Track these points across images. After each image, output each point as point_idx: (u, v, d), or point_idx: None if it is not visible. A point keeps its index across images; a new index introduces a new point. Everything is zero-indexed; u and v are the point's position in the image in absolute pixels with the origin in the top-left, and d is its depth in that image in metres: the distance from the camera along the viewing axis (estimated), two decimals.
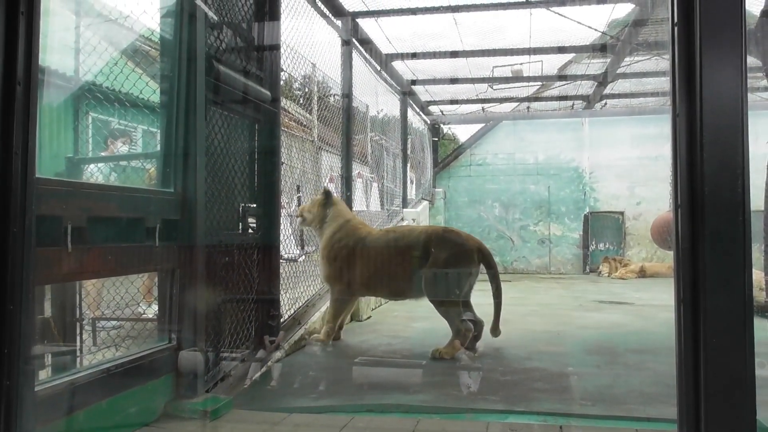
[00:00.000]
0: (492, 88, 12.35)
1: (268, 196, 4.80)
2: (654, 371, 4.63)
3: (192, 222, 3.73)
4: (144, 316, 5.15)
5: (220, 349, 4.04)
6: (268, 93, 4.77)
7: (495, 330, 5.26)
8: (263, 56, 4.79)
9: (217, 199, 4.12)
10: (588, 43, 9.54)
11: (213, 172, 4.08)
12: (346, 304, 5.76)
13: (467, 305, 5.40)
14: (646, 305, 8.51)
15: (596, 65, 11.36)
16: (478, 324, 5.35)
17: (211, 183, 4.02)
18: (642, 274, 12.96)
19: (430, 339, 5.49)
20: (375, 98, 10.02)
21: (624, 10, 8.56)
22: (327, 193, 5.96)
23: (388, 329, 6.34)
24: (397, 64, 10.33)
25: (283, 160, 5.42)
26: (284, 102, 7.36)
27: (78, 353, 4.03)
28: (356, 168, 8.82)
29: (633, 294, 9.84)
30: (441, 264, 5.26)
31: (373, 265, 5.56)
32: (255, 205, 4.63)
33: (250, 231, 4.55)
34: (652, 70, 10.77)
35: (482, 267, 5.37)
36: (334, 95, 8.35)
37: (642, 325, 6.80)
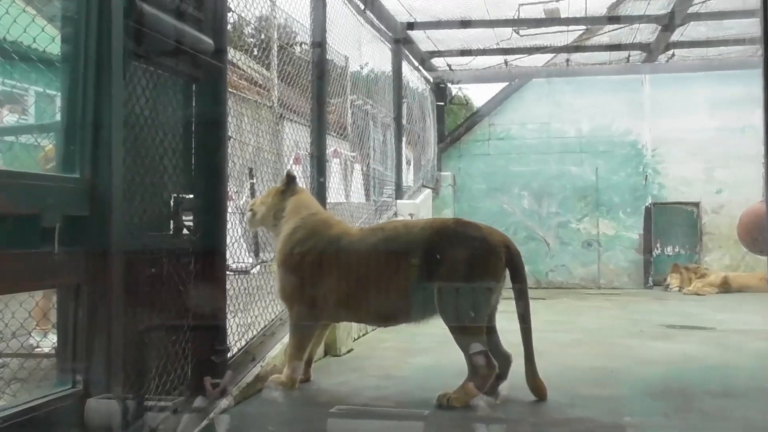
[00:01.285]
0: (518, 33, 12.38)
1: (210, 183, 4.77)
2: (744, 421, 4.65)
3: (105, 220, 3.70)
4: (38, 350, 5.10)
5: (144, 395, 4.01)
6: (211, 42, 4.73)
7: (534, 381, 5.14)
8: None
9: (139, 188, 4.09)
10: None
11: (134, 150, 4.04)
12: (312, 332, 5.69)
13: (492, 332, 5.36)
14: (730, 330, 8.54)
15: (659, 3, 11.40)
16: (503, 359, 5.31)
17: (131, 165, 3.98)
18: (725, 287, 13.05)
19: (435, 380, 5.49)
20: (357, 48, 9.99)
21: None
22: (290, 179, 5.86)
23: (377, 367, 6.34)
24: (389, 2, 10.32)
25: (230, 133, 5.39)
26: (232, 54, 7.32)
27: None
28: (331, 144, 8.79)
29: (713, 315, 9.88)
30: (457, 271, 5.18)
31: (351, 277, 5.50)
32: (192, 196, 4.60)
33: (186, 232, 4.51)
34: (736, 8, 10.81)
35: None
36: (301, 44, 8.32)
37: (726, 357, 6.83)
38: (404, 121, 12.25)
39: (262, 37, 8.55)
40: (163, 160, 4.37)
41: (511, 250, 5.31)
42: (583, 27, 12.92)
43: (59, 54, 3.87)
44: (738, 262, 14.20)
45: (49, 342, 5.48)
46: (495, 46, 13.17)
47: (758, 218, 8.79)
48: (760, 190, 10.28)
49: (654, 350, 7.20)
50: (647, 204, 14.66)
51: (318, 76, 7.68)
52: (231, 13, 5.62)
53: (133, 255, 3.97)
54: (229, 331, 5.07)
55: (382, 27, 10.74)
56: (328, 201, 7.60)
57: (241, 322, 5.64)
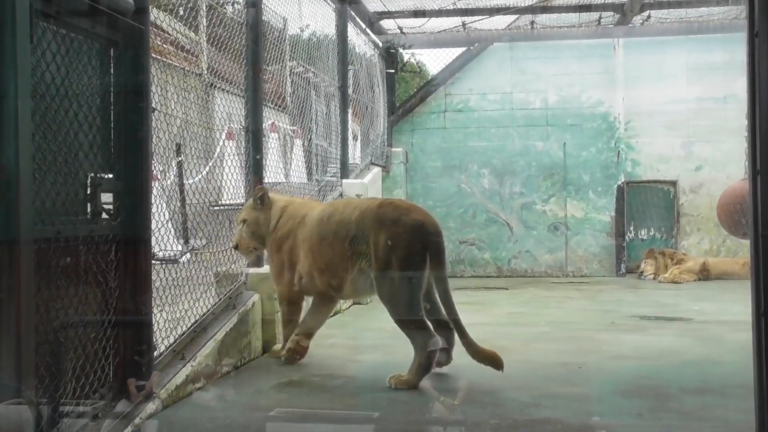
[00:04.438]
0: None
1: (132, 161, 4.74)
2: (723, 421, 4.75)
3: (11, 203, 3.66)
4: None
5: (60, 400, 3.99)
6: (131, 0, 4.69)
7: (480, 353, 5.47)
8: None
9: (51, 168, 4.06)
10: None
11: (45, 125, 4.00)
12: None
13: (445, 326, 5.50)
14: (709, 322, 8.69)
15: None
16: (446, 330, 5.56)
17: (41, 142, 3.95)
18: (704, 274, 13.25)
19: (385, 379, 5.52)
20: (297, 8, 9.95)
21: None
22: (262, 193, 6.36)
23: (320, 365, 6.36)
24: None
25: (154, 104, 5.35)
26: (155, 14, 7.25)
27: None
28: (269, 117, 8.75)
29: (691, 305, 10.04)
30: (381, 255, 5.48)
31: (316, 249, 6.01)
32: (112, 176, 4.57)
33: (106, 216, 4.49)
34: None
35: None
36: (233, 3, 8.26)
37: (704, 351, 6.97)
38: (350, 91, 12.22)
39: None
40: (78, 135, 4.33)
41: (428, 232, 5.56)
42: None
43: None
44: (718, 246, 14.45)
45: None
46: (451, 7, 13.19)
47: (740, 198, 8.83)
48: (743, 168, 10.42)
49: (626, 344, 7.30)
50: (620, 183, 14.79)
51: (253, 40, 7.63)
52: None
53: (45, 243, 3.94)
54: (155, 327, 5.06)
55: None
56: (266, 181, 7.58)
57: (169, 317, 5.63)
